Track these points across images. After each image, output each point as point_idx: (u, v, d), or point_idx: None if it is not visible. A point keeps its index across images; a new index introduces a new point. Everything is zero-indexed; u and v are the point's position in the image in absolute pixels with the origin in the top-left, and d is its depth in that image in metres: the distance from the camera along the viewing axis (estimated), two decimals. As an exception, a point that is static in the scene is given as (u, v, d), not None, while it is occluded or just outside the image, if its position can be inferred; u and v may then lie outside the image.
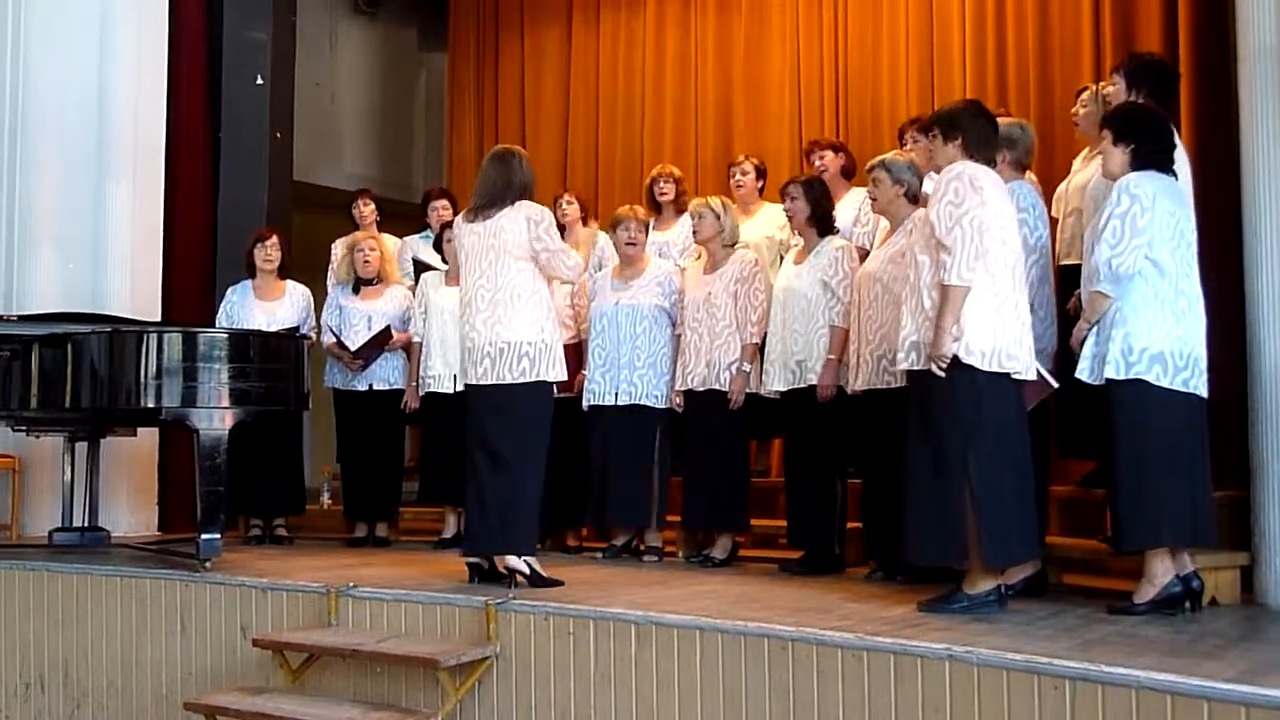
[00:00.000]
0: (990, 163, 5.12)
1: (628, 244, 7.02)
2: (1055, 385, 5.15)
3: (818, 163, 7.36)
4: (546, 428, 5.78)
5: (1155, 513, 4.80)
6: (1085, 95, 6.02)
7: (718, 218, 6.77)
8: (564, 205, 7.82)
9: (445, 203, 8.43)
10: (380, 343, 7.70)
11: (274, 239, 7.97)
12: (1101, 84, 6.03)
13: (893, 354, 5.55)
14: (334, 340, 7.78)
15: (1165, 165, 4.97)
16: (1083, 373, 4.93)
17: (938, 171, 5.15)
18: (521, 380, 5.65)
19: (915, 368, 5.00)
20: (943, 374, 4.83)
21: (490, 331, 5.69)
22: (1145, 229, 4.80)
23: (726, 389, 6.60)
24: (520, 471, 5.65)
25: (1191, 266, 4.94)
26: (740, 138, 9.20)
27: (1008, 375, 4.86)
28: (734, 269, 6.71)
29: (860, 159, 7.26)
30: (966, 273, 4.81)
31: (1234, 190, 5.54)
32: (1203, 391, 4.89)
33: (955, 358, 4.80)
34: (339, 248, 8.52)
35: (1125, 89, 5.49)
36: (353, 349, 7.69)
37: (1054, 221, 6.10)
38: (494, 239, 5.75)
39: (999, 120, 5.58)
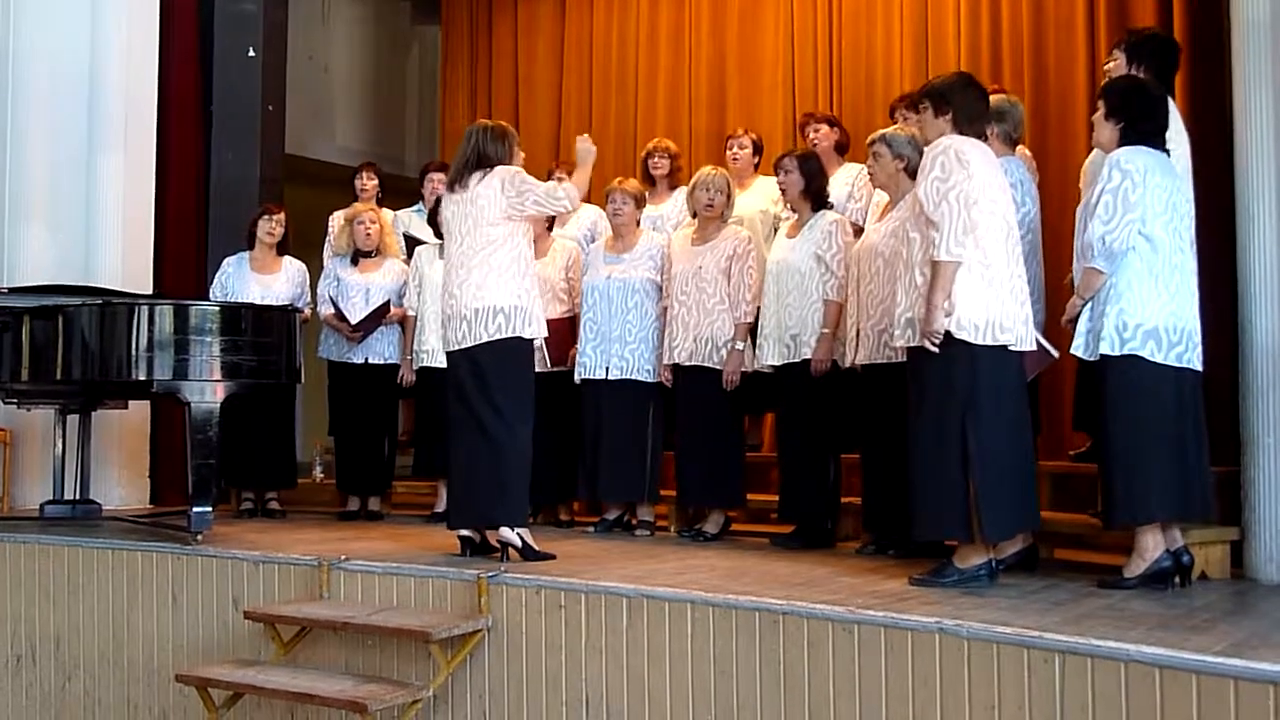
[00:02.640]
0: (981, 135, 5.11)
1: (614, 215, 7.01)
2: (1055, 355, 5.15)
3: (812, 135, 7.31)
4: (529, 389, 5.76)
5: (1147, 488, 4.81)
6: (1110, 66, 5.97)
7: (729, 198, 6.77)
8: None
9: (443, 176, 8.38)
10: (379, 316, 7.72)
11: (281, 215, 7.99)
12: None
13: (893, 329, 5.57)
14: (333, 311, 7.78)
15: (1156, 141, 4.96)
16: (1078, 349, 4.94)
17: (928, 144, 5.14)
18: (498, 336, 5.64)
19: (913, 344, 5.00)
20: (936, 350, 4.84)
21: (466, 295, 5.70)
22: (1138, 204, 4.79)
23: (717, 367, 6.60)
24: (505, 436, 5.62)
25: (1184, 239, 4.94)
26: (734, 112, 9.17)
27: (1004, 348, 4.85)
28: (728, 245, 6.69)
29: (854, 134, 7.26)
30: (955, 248, 4.80)
31: (1227, 165, 5.53)
32: (1197, 365, 4.90)
33: (948, 333, 4.81)
34: (337, 219, 8.51)
35: (1125, 64, 5.46)
36: (352, 321, 7.69)
37: (1076, 194, 6.10)
38: (471, 206, 5.77)
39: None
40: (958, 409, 4.82)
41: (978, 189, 4.84)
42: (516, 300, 5.70)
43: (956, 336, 4.80)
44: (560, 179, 7.76)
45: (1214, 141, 5.85)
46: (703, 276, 6.67)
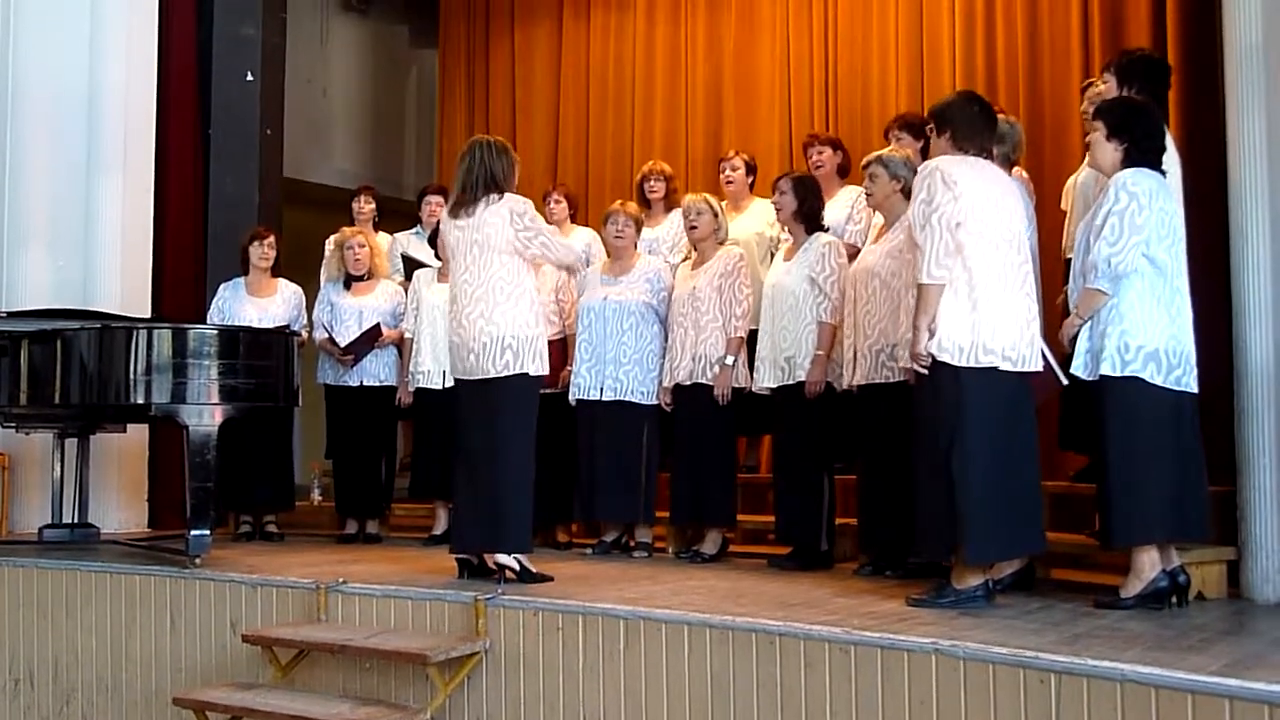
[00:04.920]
0: (985, 152, 5.11)
1: (615, 237, 7.03)
2: (1065, 382, 5.09)
3: (815, 157, 7.30)
4: (532, 421, 5.76)
5: (1145, 509, 4.81)
6: (1091, 91, 5.99)
7: (715, 216, 6.80)
8: (551, 204, 7.83)
9: (440, 199, 8.41)
10: (371, 339, 7.71)
11: (271, 238, 7.99)
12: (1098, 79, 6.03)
13: (890, 348, 5.60)
14: (326, 336, 7.79)
15: (1156, 163, 4.98)
16: (1077, 369, 4.93)
17: None
18: (505, 373, 5.65)
19: (907, 365, 5.03)
20: (925, 372, 4.86)
21: (474, 327, 5.70)
22: (1144, 226, 4.80)
23: (712, 383, 6.62)
24: (508, 466, 5.64)
25: (1183, 263, 4.95)
26: (730, 134, 9.19)
27: (993, 369, 4.86)
28: (718, 264, 6.73)
29: (850, 156, 7.27)
30: (936, 270, 4.83)
31: (1221, 186, 5.55)
32: (1194, 388, 4.90)
33: (933, 355, 4.83)
34: (331, 245, 8.54)
35: (1116, 86, 5.48)
36: (343, 345, 7.69)
37: (1061, 214, 6.12)
38: (478, 234, 5.74)
39: (986, 118, 5.58)
40: (944, 431, 4.83)
41: (964, 210, 4.85)
42: (523, 332, 5.68)
43: (939, 359, 4.82)
44: (559, 200, 7.89)
45: (1208, 163, 5.87)
46: (697, 296, 6.70)
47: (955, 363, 4.81)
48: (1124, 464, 4.83)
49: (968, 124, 5.09)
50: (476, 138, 6.02)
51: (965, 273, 4.84)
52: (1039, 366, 4.98)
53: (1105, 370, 4.83)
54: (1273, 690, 3.42)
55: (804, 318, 6.28)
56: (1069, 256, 5.88)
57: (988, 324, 4.84)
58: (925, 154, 5.87)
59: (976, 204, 4.89)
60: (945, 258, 4.82)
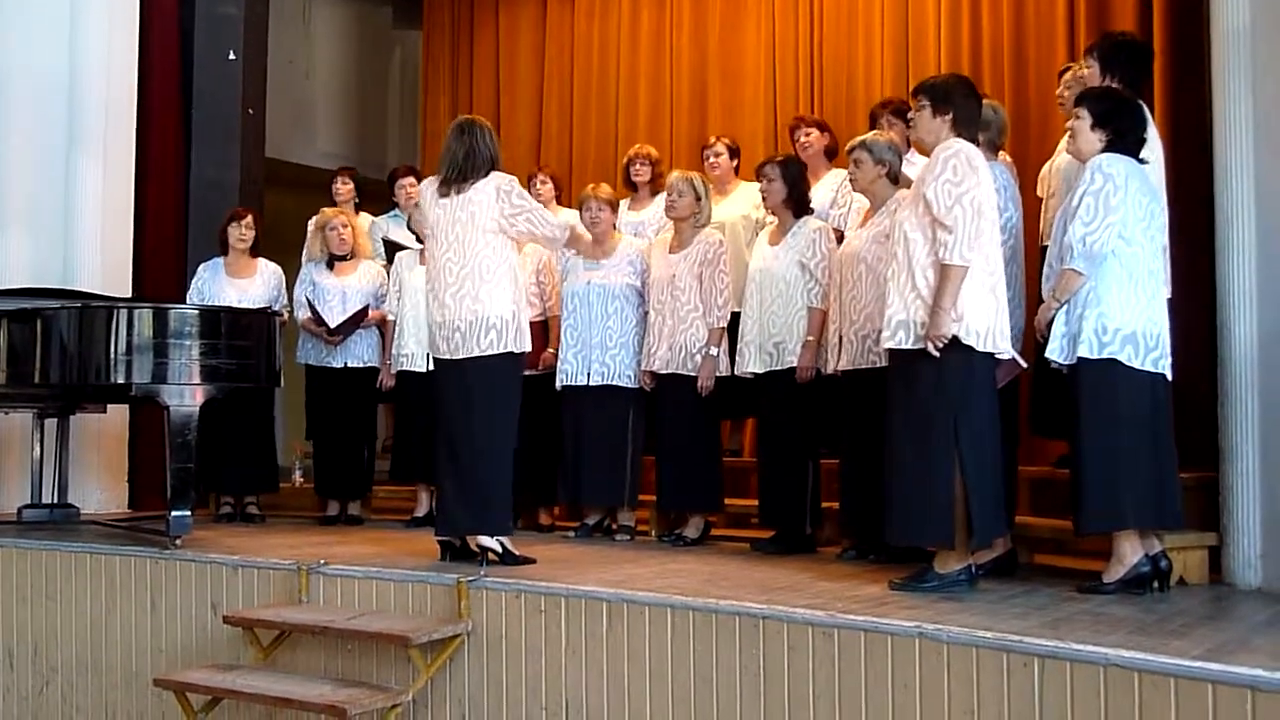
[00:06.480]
0: (975, 141, 5.11)
1: (592, 223, 6.98)
2: (1024, 366, 5.16)
3: (802, 139, 7.26)
4: (516, 401, 5.76)
5: (1122, 495, 4.81)
6: (1068, 76, 5.96)
7: (697, 198, 6.74)
8: (538, 185, 7.80)
9: (413, 180, 8.39)
10: (357, 320, 7.71)
11: (249, 218, 7.95)
12: (1076, 65, 6.01)
13: (877, 334, 5.54)
14: (309, 315, 7.76)
15: (1137, 154, 4.98)
16: (1053, 352, 4.92)
17: (920, 141, 5.17)
18: (489, 352, 5.63)
19: (903, 346, 4.94)
20: (938, 354, 4.82)
21: (459, 306, 5.68)
22: (1119, 207, 4.80)
23: (693, 373, 6.60)
24: (492, 447, 5.64)
25: (1159, 246, 4.95)
26: (715, 119, 9.17)
27: (993, 355, 4.88)
28: (699, 251, 6.69)
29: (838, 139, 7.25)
30: (968, 252, 4.80)
31: (1206, 172, 5.55)
32: (1168, 372, 4.90)
33: (954, 337, 4.80)
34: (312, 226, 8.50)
35: (1100, 72, 5.46)
36: (330, 325, 7.66)
37: (1038, 201, 6.11)
38: (462, 212, 5.72)
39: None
40: (949, 414, 4.81)
41: (984, 196, 4.87)
42: (508, 312, 5.67)
43: (964, 342, 4.80)
44: (544, 181, 7.86)
45: (1193, 148, 5.88)
46: (676, 284, 6.67)
47: (976, 347, 4.81)
48: (1099, 448, 4.83)
49: (969, 111, 5.10)
50: (468, 118, 5.99)
51: (983, 258, 4.85)
52: (1010, 354, 5.02)
53: (1082, 353, 4.83)
54: (1255, 674, 3.43)
55: (794, 303, 6.26)
56: (1045, 243, 5.89)
57: (998, 310, 4.88)
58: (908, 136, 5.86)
59: (992, 192, 4.93)
60: (974, 240, 4.81)
